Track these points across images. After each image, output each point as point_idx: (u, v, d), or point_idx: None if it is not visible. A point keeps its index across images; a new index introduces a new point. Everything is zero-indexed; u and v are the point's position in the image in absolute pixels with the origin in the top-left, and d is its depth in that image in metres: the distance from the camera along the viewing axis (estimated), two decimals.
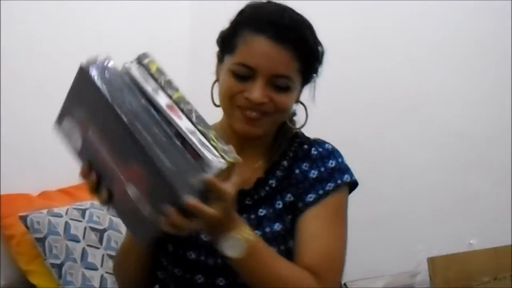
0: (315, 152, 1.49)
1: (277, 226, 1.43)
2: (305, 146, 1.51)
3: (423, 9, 3.02)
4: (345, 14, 3.07)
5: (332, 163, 1.48)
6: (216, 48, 1.48)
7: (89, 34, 2.74)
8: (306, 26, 1.42)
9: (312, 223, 1.42)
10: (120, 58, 2.83)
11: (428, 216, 3.06)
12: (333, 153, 1.51)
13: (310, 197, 1.44)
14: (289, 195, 1.46)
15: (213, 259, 1.40)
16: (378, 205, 3.05)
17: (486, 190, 3.01)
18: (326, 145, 1.52)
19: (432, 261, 2.48)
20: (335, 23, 2.94)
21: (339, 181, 1.47)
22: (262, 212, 1.44)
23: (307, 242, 1.40)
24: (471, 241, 2.97)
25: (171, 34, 3.09)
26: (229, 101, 1.40)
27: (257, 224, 1.42)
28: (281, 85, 1.39)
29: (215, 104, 1.48)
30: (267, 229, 1.42)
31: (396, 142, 3.09)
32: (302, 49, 1.39)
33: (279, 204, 1.45)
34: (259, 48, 1.36)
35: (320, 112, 2.84)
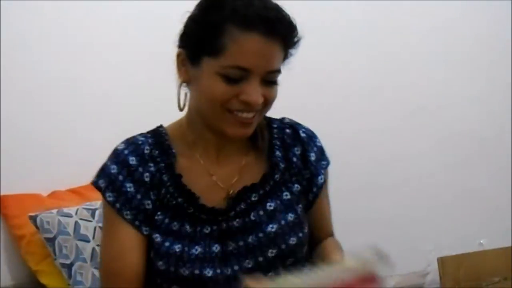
0: (304, 135, 1.51)
1: (291, 217, 1.43)
2: (288, 130, 1.50)
3: (428, 10, 3.02)
4: (351, 14, 3.07)
5: (318, 141, 1.53)
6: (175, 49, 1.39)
7: (89, 35, 2.74)
8: (286, 13, 1.34)
9: (324, 201, 1.54)
10: (121, 58, 2.86)
11: (438, 216, 3.06)
12: (312, 131, 1.54)
13: (321, 178, 1.50)
14: (296, 185, 1.47)
15: (211, 271, 1.37)
16: (387, 205, 3.05)
17: (496, 190, 3.01)
18: (302, 125, 1.54)
19: (442, 261, 2.48)
20: (341, 23, 2.94)
21: (328, 157, 1.53)
22: (271, 205, 1.42)
23: (324, 219, 1.55)
24: (481, 241, 2.97)
25: (172, 34, 3.08)
26: (220, 107, 1.32)
27: (268, 218, 1.41)
28: (273, 79, 1.34)
29: (180, 109, 1.42)
30: (283, 222, 1.41)
31: (406, 141, 3.09)
32: (290, 38, 1.34)
33: (287, 195, 1.45)
34: (253, 48, 1.29)
35: (326, 112, 2.87)
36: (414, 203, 3.07)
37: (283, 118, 1.53)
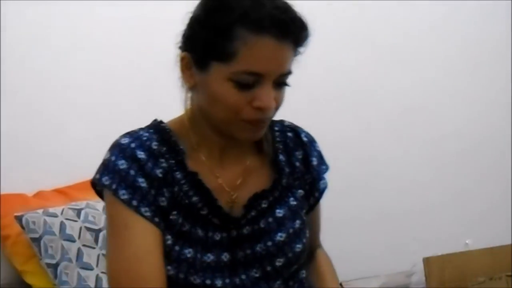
0: (305, 139, 1.49)
1: (297, 223, 1.41)
2: (289, 134, 1.48)
3: (421, 9, 3.02)
4: (341, 13, 3.07)
5: (318, 146, 1.52)
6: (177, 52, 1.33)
7: (89, 33, 2.73)
8: (297, 11, 1.28)
9: (317, 207, 1.54)
10: (119, 58, 2.86)
11: (423, 216, 3.07)
12: (312, 136, 1.52)
13: (323, 183, 1.50)
14: (299, 190, 1.45)
15: (220, 280, 1.32)
16: (373, 205, 3.05)
17: (482, 191, 3.03)
18: (302, 128, 1.52)
19: (427, 261, 2.49)
20: (331, 22, 2.94)
21: (327, 163, 1.52)
22: (280, 213, 1.39)
23: (317, 224, 1.56)
24: (467, 241, 2.98)
25: (171, 32, 3.08)
26: (234, 116, 1.27)
27: (277, 226, 1.37)
28: (284, 81, 1.30)
29: (187, 113, 1.37)
30: (291, 230, 1.38)
31: (392, 142, 3.10)
32: (302, 38, 1.28)
33: (293, 201, 1.42)
34: (266, 52, 1.23)
35: (314, 112, 2.87)
36: (399, 204, 3.08)
37: (283, 121, 1.50)
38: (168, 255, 1.31)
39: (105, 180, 1.30)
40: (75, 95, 2.70)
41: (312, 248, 1.54)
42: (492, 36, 3.00)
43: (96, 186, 1.36)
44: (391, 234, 3.05)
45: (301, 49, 1.31)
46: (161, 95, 3.02)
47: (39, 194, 2.58)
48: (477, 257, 2.59)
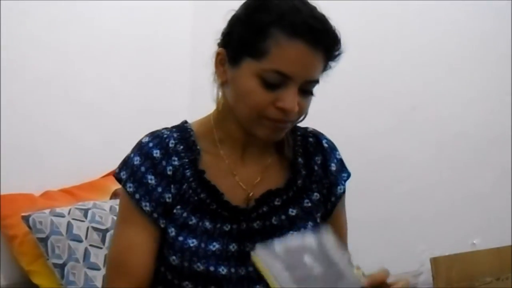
0: (326, 145, 1.52)
1: (310, 225, 1.44)
2: (311, 139, 1.52)
3: (424, 8, 3.01)
4: (345, 12, 3.05)
5: (339, 154, 1.55)
6: (215, 46, 1.38)
7: (90, 33, 2.74)
8: (332, 24, 1.35)
9: (342, 211, 1.57)
10: (121, 57, 2.85)
11: (430, 216, 3.06)
12: (334, 143, 1.56)
13: (340, 188, 1.52)
14: (315, 194, 1.48)
15: (225, 269, 1.37)
16: (380, 206, 3.05)
17: (489, 190, 3.01)
18: (325, 135, 1.56)
19: (435, 261, 2.48)
20: (334, 21, 2.93)
21: (348, 170, 1.55)
22: (292, 211, 1.44)
23: (341, 229, 1.56)
24: (474, 241, 2.97)
25: (173, 33, 3.09)
26: (257, 113, 1.32)
27: (289, 224, 1.42)
28: (309, 89, 1.35)
29: (218, 109, 1.42)
30: (302, 229, 1.42)
31: (398, 142, 3.09)
32: (332, 51, 1.35)
33: (308, 203, 1.46)
34: (296, 55, 1.28)
35: (318, 111, 2.85)
36: (407, 204, 3.07)
37: (307, 127, 1.54)
38: (172, 246, 1.37)
39: (122, 174, 1.41)
40: (83, 94, 2.71)
41: None
42: (503, 36, 2.98)
43: (116, 179, 1.45)
44: (398, 234, 3.04)
45: (331, 63, 1.37)
46: (165, 95, 3.05)
47: (46, 194, 2.59)
48: (485, 257, 2.58)
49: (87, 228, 2.40)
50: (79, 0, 2.66)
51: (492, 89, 3.01)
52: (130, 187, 1.39)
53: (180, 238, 1.37)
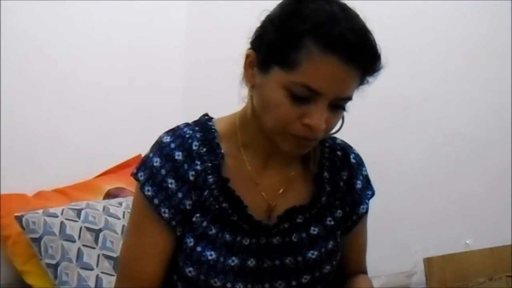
0: (354, 161, 1.46)
1: (331, 244, 1.39)
2: (339, 153, 1.45)
3: (419, 8, 3.01)
4: None
5: (365, 170, 1.49)
6: (247, 46, 1.28)
7: (86, 34, 2.73)
8: (372, 36, 1.24)
9: (363, 231, 1.52)
10: (115, 60, 2.85)
11: (424, 216, 3.07)
12: (361, 158, 1.50)
13: (363, 208, 1.47)
14: (338, 211, 1.42)
15: (242, 285, 1.32)
16: (374, 205, 3.04)
17: (482, 191, 3.02)
18: (353, 149, 1.50)
19: (428, 262, 2.48)
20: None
21: (373, 188, 1.51)
22: (314, 230, 1.37)
23: (361, 250, 1.54)
24: (467, 242, 2.98)
25: (168, 34, 3.08)
26: (281, 127, 1.23)
27: (310, 244, 1.36)
28: (341, 105, 1.24)
29: (245, 111, 1.33)
30: (323, 249, 1.37)
31: (392, 142, 3.09)
32: (371, 67, 1.24)
33: (330, 221, 1.40)
34: (329, 71, 1.17)
35: None
36: (400, 204, 3.07)
37: (335, 138, 1.46)
38: (189, 257, 1.31)
39: (140, 175, 1.33)
40: (76, 95, 2.70)
41: (355, 272, 1.51)
42: (501, 36, 2.99)
43: (134, 179, 1.37)
44: (392, 234, 3.05)
45: (369, 78, 1.27)
46: (159, 97, 3.05)
47: (39, 194, 2.58)
48: (478, 258, 2.58)
49: (80, 228, 2.40)
50: (72, 2, 2.65)
51: (486, 90, 3.01)
52: (148, 190, 1.30)
53: (198, 249, 1.30)
